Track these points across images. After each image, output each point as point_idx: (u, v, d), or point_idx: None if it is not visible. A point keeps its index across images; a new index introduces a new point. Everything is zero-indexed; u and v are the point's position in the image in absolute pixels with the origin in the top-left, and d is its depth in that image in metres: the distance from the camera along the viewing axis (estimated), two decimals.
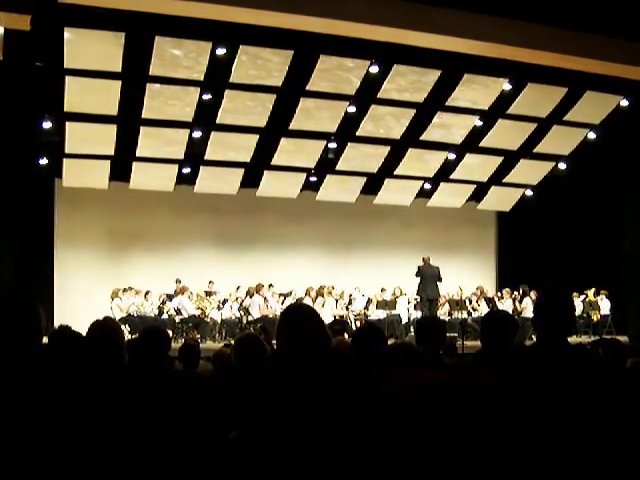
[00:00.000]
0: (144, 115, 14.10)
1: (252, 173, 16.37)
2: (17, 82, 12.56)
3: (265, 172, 16.44)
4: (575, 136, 16.51)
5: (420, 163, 16.95)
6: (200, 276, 16.12)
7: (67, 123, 13.83)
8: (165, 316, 15.01)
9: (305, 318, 3.16)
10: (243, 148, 15.45)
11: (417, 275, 15.50)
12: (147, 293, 15.22)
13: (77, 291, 15.69)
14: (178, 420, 3.44)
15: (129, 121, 14.13)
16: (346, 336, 11.98)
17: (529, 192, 18.33)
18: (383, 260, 18.20)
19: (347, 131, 15.52)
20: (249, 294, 15.77)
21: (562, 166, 17.30)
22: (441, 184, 17.79)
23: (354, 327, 15.70)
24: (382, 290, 16.78)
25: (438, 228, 18.93)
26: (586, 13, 11.63)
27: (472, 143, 16.33)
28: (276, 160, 15.94)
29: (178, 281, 15.75)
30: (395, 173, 17.03)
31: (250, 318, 15.44)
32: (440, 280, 15.39)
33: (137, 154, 15.06)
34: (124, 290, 14.85)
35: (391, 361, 3.58)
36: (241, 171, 16.24)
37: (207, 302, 15.29)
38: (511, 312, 13.88)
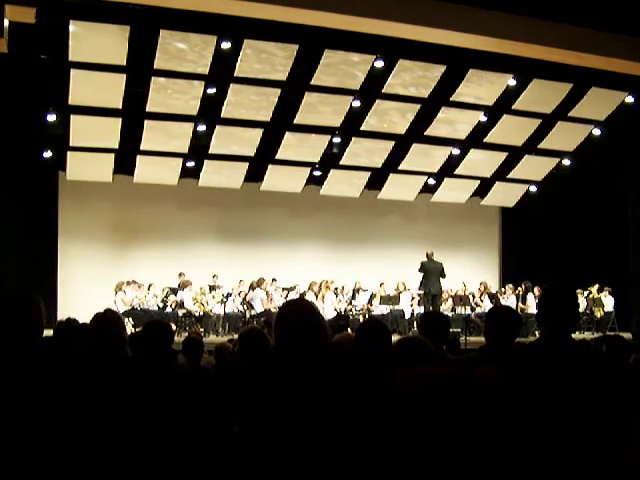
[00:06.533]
0: (149, 108, 14.10)
1: (256, 167, 16.38)
2: (22, 75, 12.58)
3: (269, 166, 16.44)
4: (580, 132, 16.48)
5: (424, 158, 16.94)
6: (204, 270, 16.14)
7: (72, 116, 13.85)
8: (168, 309, 15.04)
9: (302, 313, 3.16)
10: (247, 142, 15.46)
11: (420, 271, 15.47)
12: (150, 286, 15.25)
13: (81, 284, 15.71)
14: (182, 413, 3.45)
15: (134, 114, 14.12)
16: (349, 331, 11.99)
17: (533, 188, 18.32)
18: (386, 255, 18.20)
19: (351, 126, 15.52)
20: (251, 288, 15.81)
21: (566, 162, 17.28)
22: (445, 179, 17.78)
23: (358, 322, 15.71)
24: (381, 285, 16.79)
25: (442, 223, 18.92)
26: (592, 9, 11.60)
27: (477, 139, 16.31)
28: (280, 154, 15.93)
29: (181, 274, 15.78)
30: (399, 168, 17.03)
31: (253, 312, 15.47)
32: (444, 276, 15.34)
33: (141, 147, 15.07)
34: (128, 283, 14.87)
35: (401, 355, 3.58)
36: (245, 165, 16.25)
37: (207, 298, 15.29)
38: (514, 308, 13.89)
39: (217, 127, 14.95)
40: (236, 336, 7.85)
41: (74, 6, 11.26)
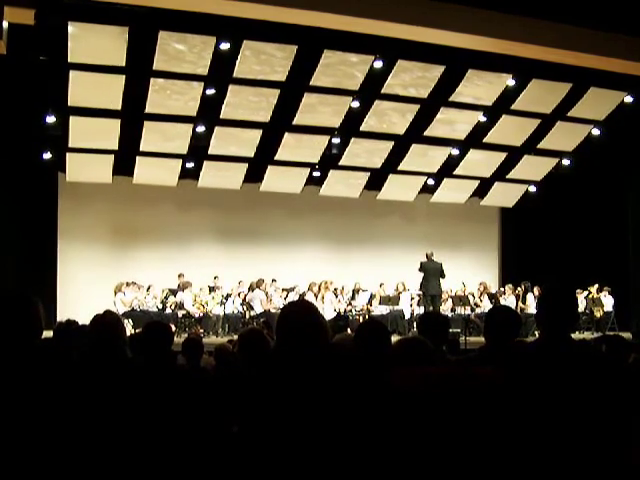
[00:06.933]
0: (148, 110, 14.10)
1: (256, 168, 16.37)
2: (21, 76, 12.58)
3: (269, 167, 16.44)
4: (579, 132, 16.49)
5: (424, 159, 16.94)
6: (203, 270, 16.14)
7: (71, 117, 13.84)
8: (168, 311, 15.03)
9: (303, 314, 3.17)
10: (247, 143, 15.45)
11: (420, 271, 15.49)
12: (149, 287, 15.24)
13: (80, 285, 15.71)
14: (181, 414, 3.45)
15: (133, 116, 14.12)
16: (349, 331, 12.00)
17: (532, 188, 18.32)
18: (386, 255, 18.20)
19: (351, 126, 15.51)
20: (251, 289, 15.82)
21: (566, 162, 17.28)
22: (445, 180, 17.78)
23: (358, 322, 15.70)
24: (381, 285, 16.81)
25: (441, 224, 18.92)
26: (591, 9, 11.61)
27: (476, 139, 16.32)
28: (280, 155, 15.93)
29: (181, 275, 15.78)
30: (399, 168, 17.03)
31: (253, 313, 15.48)
32: (443, 276, 15.36)
33: (141, 149, 15.07)
34: (127, 284, 14.86)
35: (401, 356, 3.58)
36: (245, 166, 16.25)
37: (207, 299, 15.28)
38: (514, 308, 13.89)
39: (216, 128, 14.95)
40: (236, 337, 7.85)
41: (73, 7, 11.26)
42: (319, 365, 3.00)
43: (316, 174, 17.13)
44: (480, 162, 17.20)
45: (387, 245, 18.45)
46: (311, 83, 13.97)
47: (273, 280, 16.28)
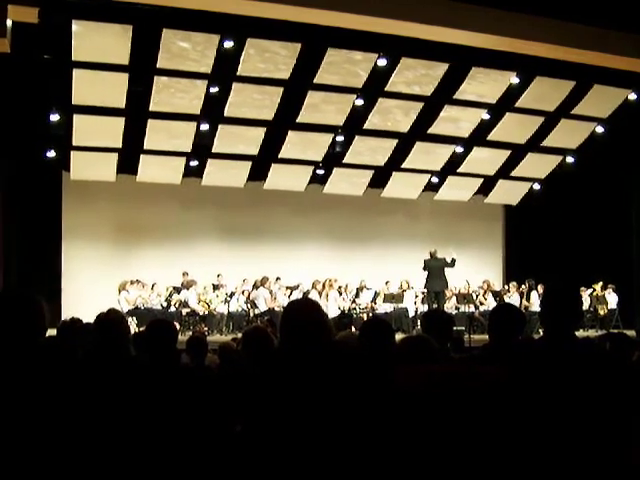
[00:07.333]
0: (152, 108, 14.10)
1: (259, 166, 16.37)
2: (25, 75, 12.59)
3: (272, 165, 16.44)
4: (583, 130, 16.46)
5: (427, 156, 16.92)
6: (207, 268, 16.15)
7: (75, 116, 13.85)
8: (172, 309, 15.05)
9: (306, 312, 3.17)
10: (250, 141, 15.45)
11: (424, 269, 15.50)
12: (154, 285, 15.26)
13: (84, 283, 15.72)
14: (185, 412, 3.45)
15: (137, 114, 14.12)
16: (353, 329, 11.99)
17: (536, 186, 18.29)
18: (390, 253, 18.21)
19: (354, 124, 15.50)
20: (255, 287, 15.83)
21: (570, 160, 17.24)
22: (448, 177, 17.77)
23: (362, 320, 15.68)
24: (386, 283, 16.81)
25: (445, 222, 18.90)
26: (595, 6, 11.58)
27: (479, 136, 16.29)
28: (283, 153, 15.93)
29: (185, 274, 15.79)
30: (402, 166, 17.01)
31: (257, 311, 15.48)
32: (453, 265, 15.31)
33: (144, 147, 15.07)
34: (131, 282, 14.88)
35: (405, 354, 3.59)
36: (248, 164, 16.25)
37: (211, 297, 15.29)
38: (518, 306, 13.88)
39: (220, 126, 14.94)
40: (240, 335, 7.86)
41: (77, 6, 11.26)
42: (323, 363, 3.00)
43: (320, 172, 17.13)
44: (484, 160, 17.18)
45: (391, 243, 18.45)
46: (315, 81, 13.96)
47: (277, 278, 16.29)
